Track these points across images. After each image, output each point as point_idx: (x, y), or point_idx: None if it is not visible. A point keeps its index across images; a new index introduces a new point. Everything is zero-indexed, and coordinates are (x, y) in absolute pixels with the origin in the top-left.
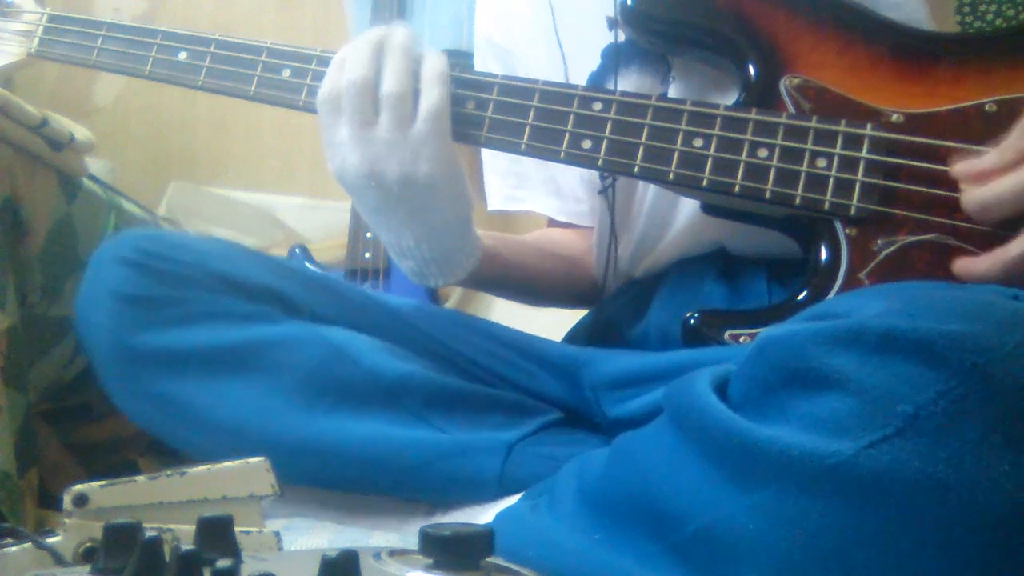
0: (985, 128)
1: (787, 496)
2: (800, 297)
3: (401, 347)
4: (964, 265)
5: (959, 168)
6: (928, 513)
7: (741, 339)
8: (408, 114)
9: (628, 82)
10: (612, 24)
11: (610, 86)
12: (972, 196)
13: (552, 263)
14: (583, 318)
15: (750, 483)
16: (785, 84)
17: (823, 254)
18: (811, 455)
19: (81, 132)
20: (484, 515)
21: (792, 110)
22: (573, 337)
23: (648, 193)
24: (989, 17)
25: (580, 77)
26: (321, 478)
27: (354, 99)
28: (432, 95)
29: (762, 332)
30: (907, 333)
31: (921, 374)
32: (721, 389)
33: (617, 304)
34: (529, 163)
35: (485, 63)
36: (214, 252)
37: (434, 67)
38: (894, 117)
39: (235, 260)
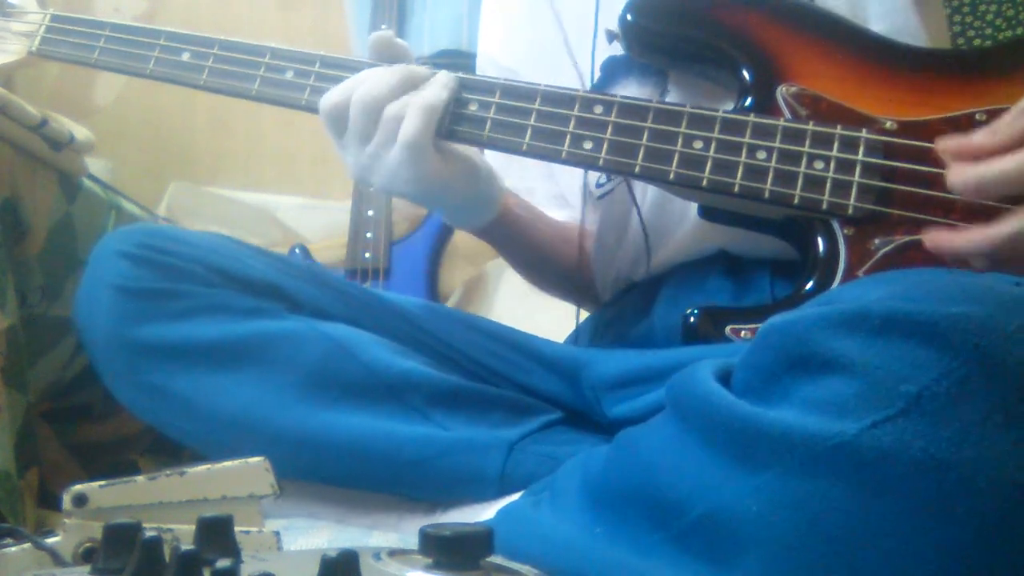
0: None
1: (790, 478)
2: (800, 293)
3: (403, 344)
4: (945, 238)
5: (947, 144)
6: (930, 492)
7: (742, 334)
8: (395, 136)
9: (626, 92)
10: (611, 37)
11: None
12: (964, 174)
13: (566, 249)
14: (586, 319)
15: (752, 466)
16: (782, 92)
17: (821, 253)
18: (814, 436)
19: (81, 132)
20: (484, 513)
21: (789, 116)
22: (577, 337)
23: (647, 201)
24: (989, 17)
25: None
26: (321, 473)
27: (359, 115)
28: (410, 124)
29: (766, 321)
30: (910, 315)
31: (924, 355)
32: (724, 380)
33: (621, 303)
34: (535, 177)
35: None
36: (216, 247)
37: (424, 97)
38: (887, 124)
39: (237, 255)
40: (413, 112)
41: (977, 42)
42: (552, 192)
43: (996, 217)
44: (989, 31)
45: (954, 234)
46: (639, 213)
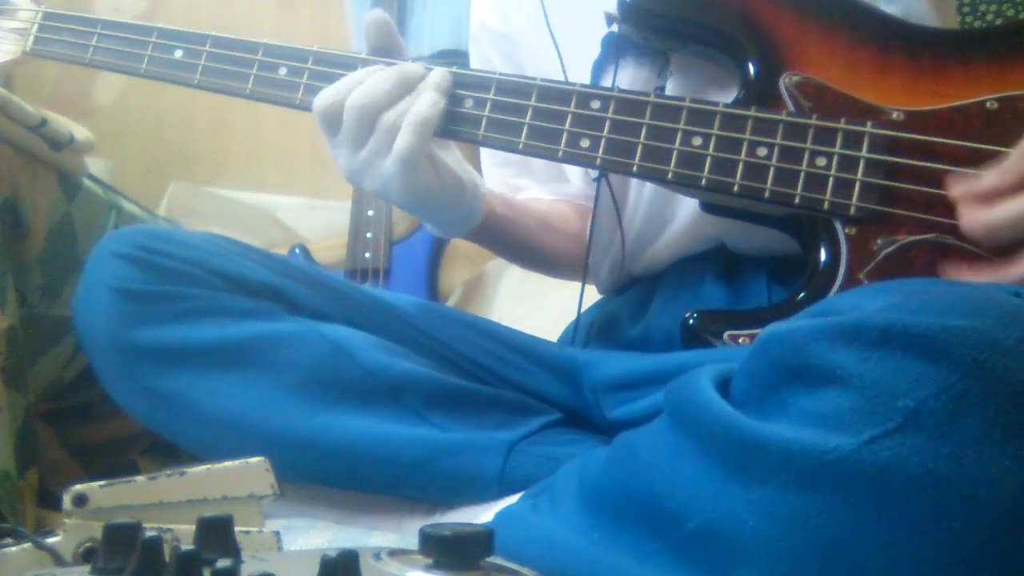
0: (986, 126)
1: (787, 491)
2: (800, 297)
3: (401, 345)
4: (957, 276)
5: (958, 190)
6: (929, 508)
7: (740, 340)
8: (389, 146)
9: (625, 73)
10: (610, 20)
11: (609, 77)
12: (975, 219)
13: (553, 237)
14: (584, 314)
15: (750, 479)
16: (784, 82)
17: (823, 253)
18: (812, 450)
19: (81, 132)
20: (484, 515)
21: (792, 108)
22: (575, 332)
23: (644, 189)
24: (989, 17)
25: (579, 66)
26: (321, 475)
27: (353, 121)
28: (405, 139)
29: (764, 329)
30: (908, 328)
31: (922, 369)
32: (723, 387)
33: (618, 303)
34: None
35: (481, 50)
36: (214, 248)
37: (419, 110)
38: (894, 115)
39: (235, 257)
40: (408, 126)
41: None
42: (550, 167)
43: (1011, 255)
44: (989, 28)
45: (968, 271)
46: (619, 219)
